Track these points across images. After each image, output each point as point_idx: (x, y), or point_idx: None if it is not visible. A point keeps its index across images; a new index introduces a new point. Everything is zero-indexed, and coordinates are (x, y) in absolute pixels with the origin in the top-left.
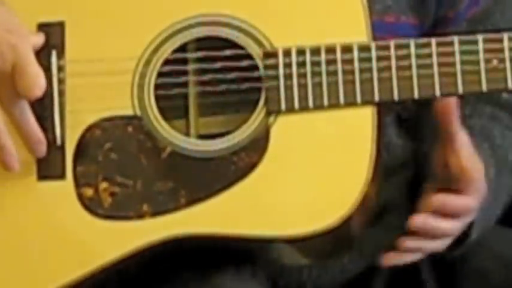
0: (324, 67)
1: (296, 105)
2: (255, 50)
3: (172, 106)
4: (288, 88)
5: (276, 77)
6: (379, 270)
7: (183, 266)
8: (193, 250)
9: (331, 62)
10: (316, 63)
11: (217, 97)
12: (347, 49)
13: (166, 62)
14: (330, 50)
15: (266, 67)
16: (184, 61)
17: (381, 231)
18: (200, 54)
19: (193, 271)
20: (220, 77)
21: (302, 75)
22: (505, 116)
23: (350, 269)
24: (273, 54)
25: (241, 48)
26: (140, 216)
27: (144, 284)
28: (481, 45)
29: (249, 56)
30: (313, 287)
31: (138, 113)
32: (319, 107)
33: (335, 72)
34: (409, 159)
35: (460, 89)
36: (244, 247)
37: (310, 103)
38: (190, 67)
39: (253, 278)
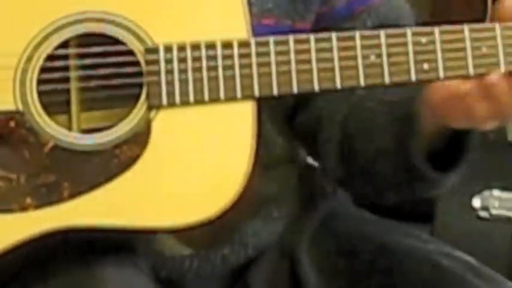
0: (204, 62)
1: (177, 100)
2: (137, 46)
3: (55, 101)
4: (169, 83)
5: (157, 73)
6: (260, 262)
7: (64, 257)
8: (74, 241)
9: (211, 57)
10: (196, 59)
11: (99, 92)
12: (227, 45)
13: (49, 58)
14: (210, 46)
15: (147, 62)
16: (66, 57)
17: (261, 222)
18: (82, 50)
19: (74, 262)
20: (101, 73)
21: (183, 71)
22: None
23: (231, 260)
24: (154, 50)
25: (123, 44)
26: (23, 208)
27: (22, 276)
28: (358, 42)
29: (130, 52)
30: (194, 277)
31: (21, 108)
32: (200, 101)
33: (215, 68)
34: (288, 154)
35: (338, 84)
36: (126, 238)
37: (191, 98)
38: (72, 63)
39: (135, 269)
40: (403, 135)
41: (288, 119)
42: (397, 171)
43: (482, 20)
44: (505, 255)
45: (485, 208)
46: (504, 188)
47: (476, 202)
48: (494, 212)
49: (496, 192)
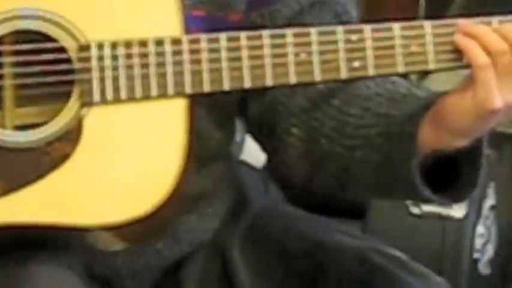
0: (136, 60)
1: (109, 97)
2: (69, 43)
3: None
4: (101, 80)
5: (89, 70)
6: (192, 258)
7: None
8: (8, 238)
9: (143, 55)
10: (129, 56)
11: (33, 89)
12: (159, 42)
13: None
14: (143, 43)
15: (80, 60)
16: (0, 54)
17: (195, 219)
18: (15, 47)
19: (7, 258)
20: (34, 70)
21: (115, 68)
22: None
23: (165, 255)
24: (86, 48)
25: (55, 41)
26: None
27: None
28: (290, 39)
29: (62, 49)
30: (128, 273)
31: None
32: (132, 99)
33: (147, 65)
34: (225, 150)
35: (270, 82)
36: (59, 235)
37: (123, 95)
38: (6, 60)
39: (66, 267)
40: (396, 152)
41: (235, 114)
42: (382, 181)
43: (414, 18)
44: (435, 251)
45: (416, 205)
46: None
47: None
48: (425, 208)
49: None
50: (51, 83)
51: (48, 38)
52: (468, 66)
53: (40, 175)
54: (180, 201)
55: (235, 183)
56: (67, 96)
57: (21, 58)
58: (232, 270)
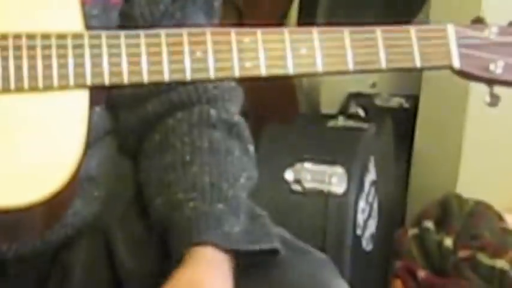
0: (39, 51)
1: (12, 86)
2: None
3: None
4: (5, 69)
5: None
6: (77, 241)
7: None
8: None
9: (46, 47)
10: (31, 47)
11: None
12: (61, 36)
13: None
14: (46, 36)
15: None
16: None
17: (81, 202)
18: None
19: None
20: None
21: (17, 58)
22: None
23: (52, 239)
24: None
25: None
26: None
27: None
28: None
29: None
30: (14, 259)
31: None
32: (34, 88)
33: (49, 57)
34: (107, 134)
35: (167, 78)
36: None
37: (26, 85)
38: None
39: None
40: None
41: None
42: None
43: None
44: (318, 228)
45: (297, 181)
46: (316, 161)
47: (289, 175)
48: (307, 185)
49: (308, 165)
50: None
51: None
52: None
53: None
54: (75, 189)
55: (116, 166)
56: None
57: None
58: (114, 252)
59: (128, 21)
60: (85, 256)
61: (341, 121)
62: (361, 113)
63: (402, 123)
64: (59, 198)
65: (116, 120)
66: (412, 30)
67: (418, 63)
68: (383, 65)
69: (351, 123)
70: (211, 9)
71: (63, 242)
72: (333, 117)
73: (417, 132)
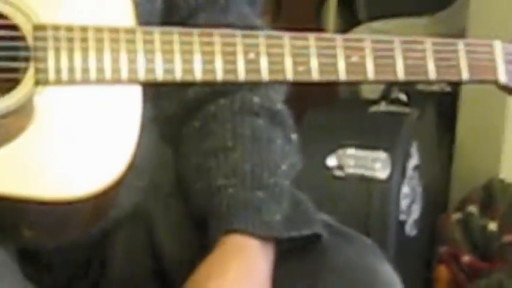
0: (92, 44)
1: (64, 77)
2: (23, 22)
3: None
4: (57, 61)
5: (45, 49)
6: (117, 232)
7: None
8: None
9: (99, 40)
10: (84, 40)
11: None
12: (114, 30)
13: None
14: (98, 30)
15: (35, 39)
16: None
17: (123, 193)
18: None
19: None
20: None
21: (70, 50)
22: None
23: (92, 232)
24: (42, 27)
25: (7, 19)
26: None
27: None
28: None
29: (15, 27)
30: (56, 251)
31: None
32: (86, 81)
33: (102, 50)
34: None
35: (220, 77)
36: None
37: (78, 77)
38: None
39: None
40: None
41: None
42: None
43: None
44: (362, 213)
45: (340, 167)
46: (357, 147)
47: (331, 161)
48: (349, 170)
49: (350, 151)
50: (3, 58)
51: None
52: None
53: None
54: (124, 181)
55: (158, 154)
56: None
57: None
58: (157, 240)
59: (171, 9)
60: (126, 245)
61: (383, 106)
62: (403, 97)
63: (444, 107)
64: (110, 193)
65: (157, 107)
66: (461, 43)
67: (465, 76)
68: (431, 76)
69: (393, 108)
70: None
71: (104, 232)
72: (375, 102)
73: (459, 116)
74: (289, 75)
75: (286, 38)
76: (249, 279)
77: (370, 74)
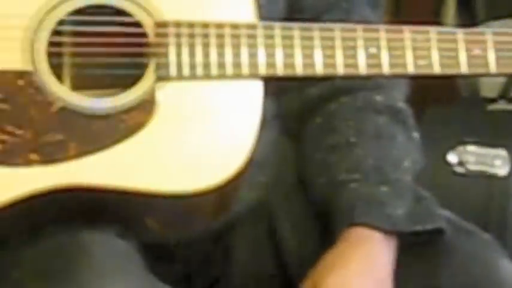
0: (213, 40)
1: (185, 73)
2: (145, 19)
3: (61, 63)
4: (178, 56)
5: (167, 45)
6: (240, 224)
7: (53, 222)
8: (71, 203)
9: (220, 36)
10: (205, 36)
11: (100, 58)
12: (235, 26)
13: (60, 22)
14: (219, 25)
15: (157, 35)
16: (76, 23)
17: (246, 188)
18: (88, 18)
19: (62, 227)
20: (106, 41)
21: (192, 45)
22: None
23: (215, 226)
24: (163, 24)
25: (130, 16)
26: (28, 163)
27: (13, 239)
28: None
29: (137, 24)
30: (178, 244)
31: (29, 68)
32: (207, 76)
33: (223, 45)
34: (273, 109)
35: (341, 71)
36: (121, 204)
37: (199, 72)
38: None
39: (121, 236)
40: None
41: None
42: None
43: None
44: (480, 210)
45: (461, 164)
46: (479, 144)
47: (452, 158)
48: (470, 167)
49: (471, 148)
50: (125, 54)
51: (122, 13)
52: None
53: (114, 141)
54: (247, 173)
55: (280, 149)
56: (129, 79)
57: (95, 28)
58: (279, 233)
59: (294, 12)
60: (248, 238)
61: (502, 104)
62: None
63: None
64: (230, 186)
65: (280, 104)
66: None
67: None
68: None
69: (511, 106)
70: (378, 1)
71: (226, 227)
72: (493, 100)
73: None
74: (410, 69)
75: (407, 32)
76: (371, 272)
77: (492, 66)
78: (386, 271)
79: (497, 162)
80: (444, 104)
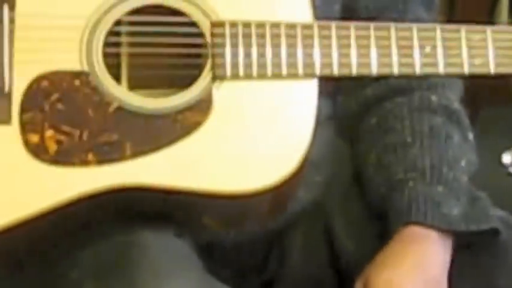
0: (268, 40)
1: (241, 73)
2: (201, 19)
3: (117, 64)
4: (234, 56)
5: (223, 45)
6: (296, 225)
7: (110, 221)
8: (128, 203)
9: (275, 35)
10: (261, 36)
11: (157, 58)
12: (291, 26)
13: (117, 23)
14: (275, 25)
15: (213, 35)
16: (132, 24)
17: (303, 188)
18: (144, 18)
19: (119, 226)
20: (163, 41)
21: (247, 45)
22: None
23: (270, 227)
24: (219, 24)
25: (186, 16)
26: (85, 163)
27: (70, 238)
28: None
29: (193, 25)
30: (232, 245)
31: (86, 68)
32: (262, 76)
33: (278, 45)
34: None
35: (396, 71)
36: (178, 204)
37: (254, 72)
38: (134, 29)
39: (177, 235)
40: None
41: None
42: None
43: None
44: None
45: None
46: None
47: (507, 159)
48: None
49: None
50: (181, 55)
51: (178, 14)
52: None
53: (170, 141)
54: (303, 174)
55: (335, 150)
56: (185, 79)
57: (150, 28)
58: (334, 234)
59: (349, 13)
60: (304, 239)
61: None
62: None
63: None
64: (286, 186)
65: (335, 105)
66: None
67: None
68: None
69: None
70: (432, 2)
71: (282, 227)
72: None
73: None
74: (466, 68)
75: (463, 31)
76: (423, 271)
77: None
78: (440, 271)
79: None
80: (498, 105)
